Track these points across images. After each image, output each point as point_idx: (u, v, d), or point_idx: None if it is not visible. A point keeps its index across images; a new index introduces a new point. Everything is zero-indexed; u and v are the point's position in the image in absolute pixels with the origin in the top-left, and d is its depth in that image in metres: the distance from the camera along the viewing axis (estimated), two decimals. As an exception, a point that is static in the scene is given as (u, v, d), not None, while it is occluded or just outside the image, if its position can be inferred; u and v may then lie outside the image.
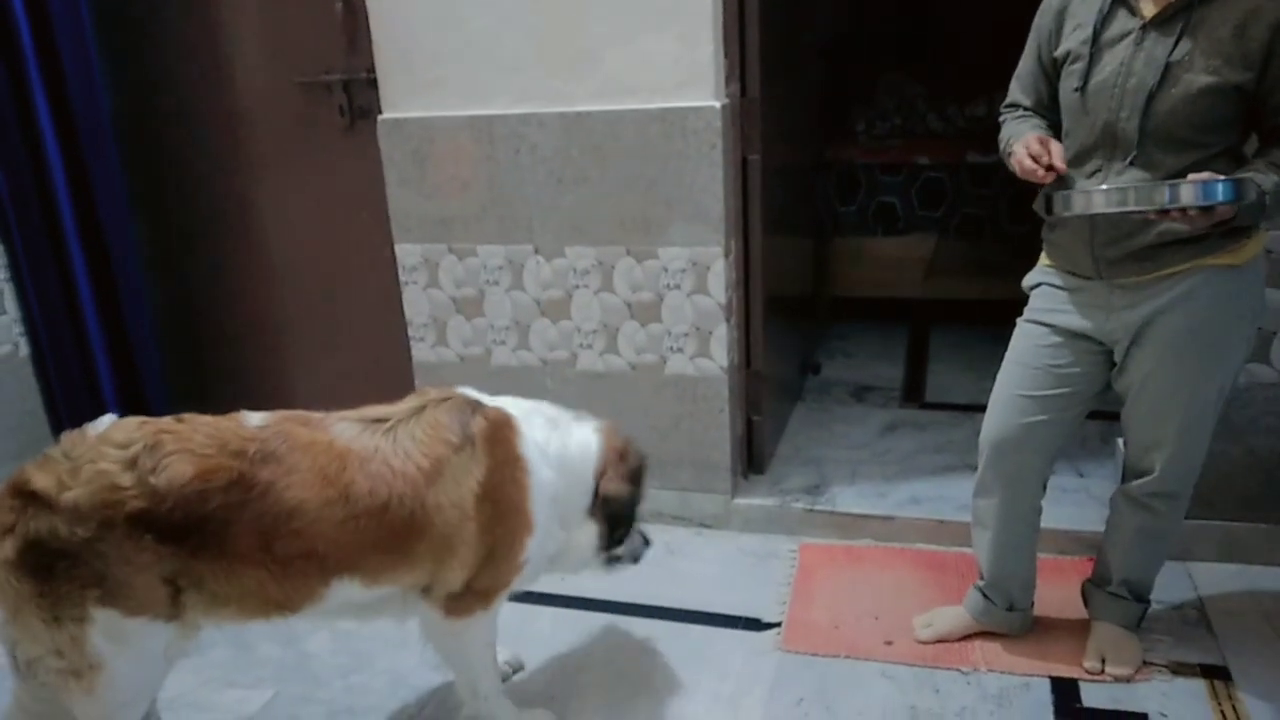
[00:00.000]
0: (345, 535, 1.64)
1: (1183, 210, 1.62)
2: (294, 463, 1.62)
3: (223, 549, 1.59)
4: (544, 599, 2.45)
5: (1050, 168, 1.80)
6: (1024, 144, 1.84)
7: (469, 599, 1.79)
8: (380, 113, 2.64)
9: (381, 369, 2.93)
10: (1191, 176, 1.63)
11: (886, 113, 4.24)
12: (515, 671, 2.18)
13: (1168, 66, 1.69)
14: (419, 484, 1.66)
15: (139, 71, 2.94)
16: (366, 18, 2.57)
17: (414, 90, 2.59)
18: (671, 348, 2.61)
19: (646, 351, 2.64)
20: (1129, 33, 1.74)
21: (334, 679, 2.22)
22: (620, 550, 2.00)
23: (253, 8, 2.79)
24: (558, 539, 1.89)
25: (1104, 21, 1.77)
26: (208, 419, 1.66)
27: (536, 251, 2.63)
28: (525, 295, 2.67)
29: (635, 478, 1.95)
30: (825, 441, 3.09)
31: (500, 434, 1.76)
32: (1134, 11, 1.74)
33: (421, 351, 2.82)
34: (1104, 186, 1.73)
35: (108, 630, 1.57)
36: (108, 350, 3.02)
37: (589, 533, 1.92)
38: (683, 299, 2.56)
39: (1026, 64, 1.96)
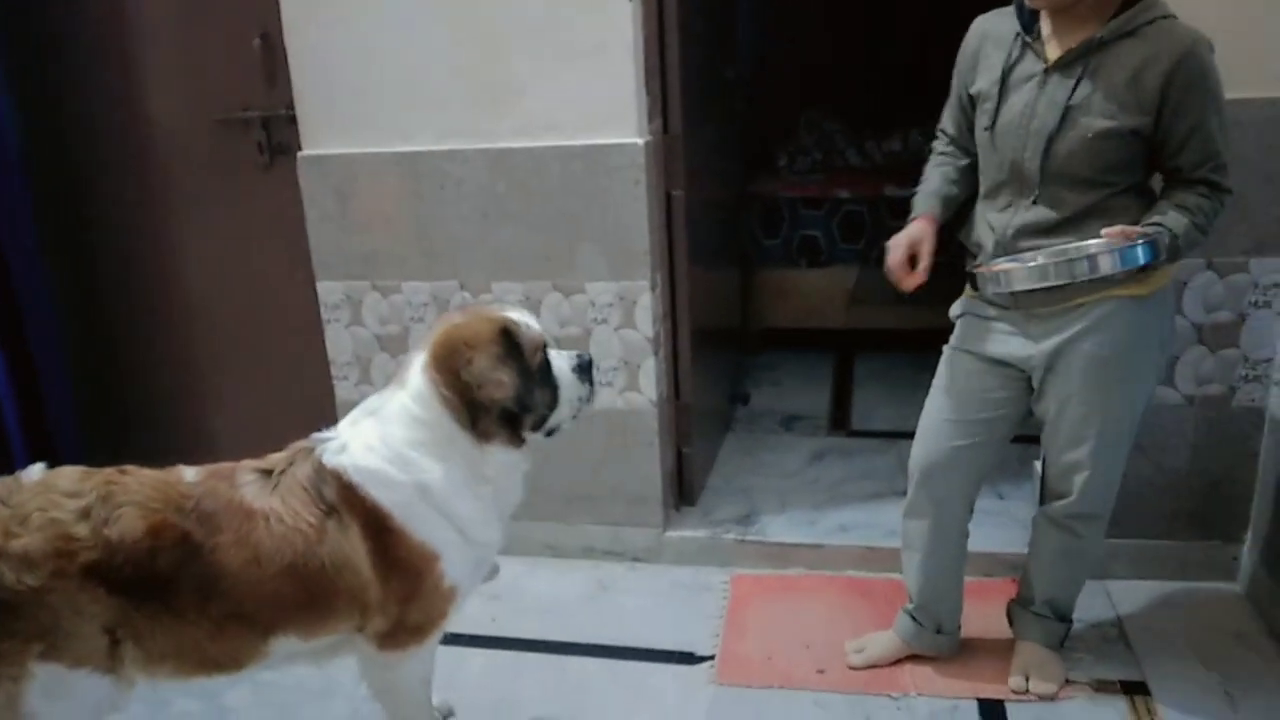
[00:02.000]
0: (267, 596, 1.61)
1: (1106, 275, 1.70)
2: (220, 523, 1.59)
3: (165, 605, 1.57)
4: (475, 640, 2.41)
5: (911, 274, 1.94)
6: (898, 244, 1.96)
7: (403, 635, 1.74)
8: (300, 149, 2.61)
9: (304, 408, 2.84)
10: (1106, 235, 1.70)
11: (807, 148, 4.34)
12: (446, 717, 2.13)
13: (1067, 109, 1.76)
14: (313, 542, 1.62)
15: (50, 108, 2.86)
16: (285, 54, 2.54)
17: (335, 127, 2.56)
18: (600, 382, 2.61)
19: (575, 386, 2.63)
20: (1034, 75, 1.81)
21: (255, 732, 2.14)
22: (561, 416, 1.78)
23: (169, 44, 2.74)
24: (478, 516, 1.73)
25: (1012, 63, 1.84)
26: (149, 473, 1.63)
27: (462, 287, 2.61)
28: (452, 332, 2.65)
29: (505, 353, 1.67)
30: (755, 471, 3.11)
31: (351, 495, 1.65)
32: (1039, 55, 1.81)
33: (345, 390, 2.77)
34: (1030, 263, 1.78)
35: (48, 687, 1.51)
36: (14, 389, 2.89)
37: (503, 457, 1.72)
38: (610, 333, 2.56)
39: (951, 97, 2.04)
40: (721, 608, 2.50)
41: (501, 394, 1.66)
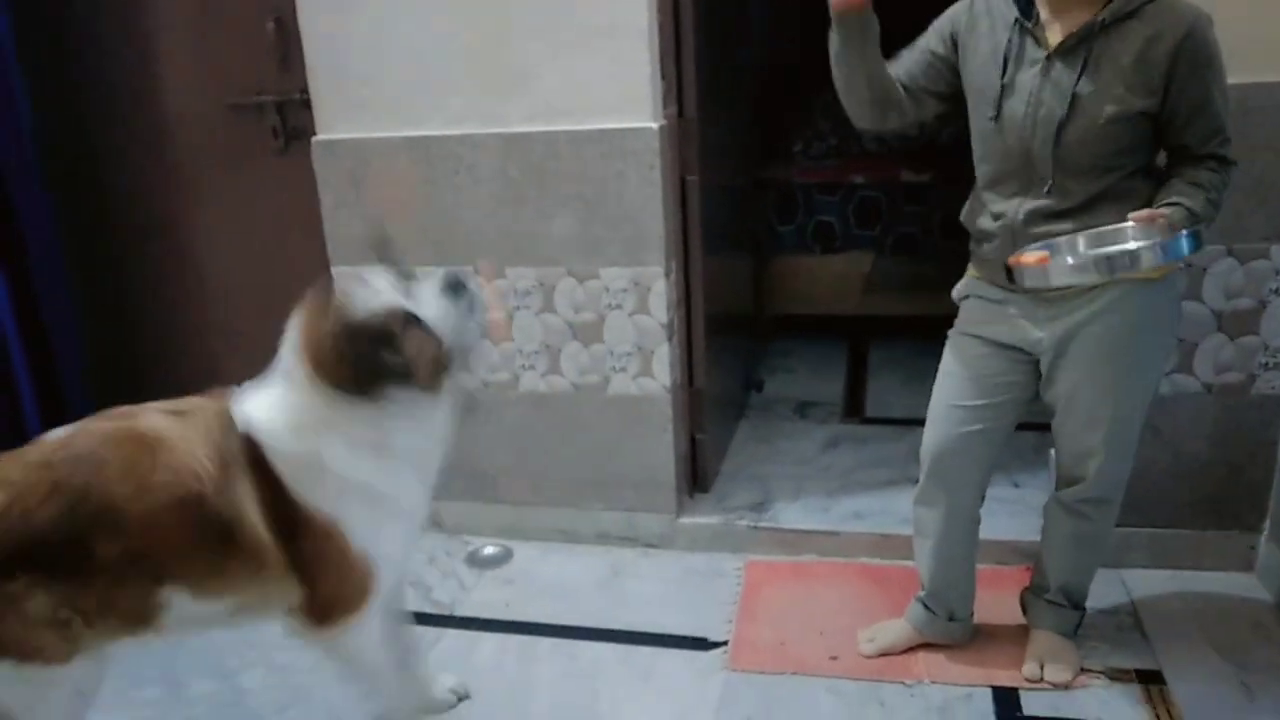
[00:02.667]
0: (156, 532, 1.55)
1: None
2: (102, 457, 1.55)
3: (68, 564, 1.53)
4: (488, 625, 2.42)
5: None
6: None
7: (321, 611, 1.69)
8: (315, 134, 2.61)
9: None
10: (1134, 219, 1.65)
11: (823, 133, 4.31)
12: (461, 699, 2.14)
13: (1074, 96, 1.73)
14: (214, 487, 1.57)
15: (66, 92, 2.87)
16: (299, 38, 2.54)
17: (349, 111, 2.56)
18: (614, 368, 2.61)
19: (589, 372, 2.63)
20: (1036, 62, 1.77)
21: (270, 714, 2.15)
22: (460, 347, 1.69)
23: (183, 29, 2.74)
24: (384, 482, 1.66)
25: (1013, 50, 1.80)
26: (8, 453, 1.60)
27: (476, 273, 2.61)
28: (465, 317, 2.65)
29: (338, 359, 1.58)
30: (769, 458, 3.11)
31: (254, 452, 1.61)
32: (1039, 41, 1.78)
33: (360, 375, 2.77)
34: (1069, 260, 1.72)
35: (9, 681, 1.51)
36: (32, 375, 2.91)
37: (406, 422, 1.65)
38: (624, 319, 2.56)
39: (919, 56, 1.93)
40: (735, 594, 2.50)
41: (364, 380, 1.59)
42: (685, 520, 2.73)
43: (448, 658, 2.27)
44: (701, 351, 2.71)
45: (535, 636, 2.38)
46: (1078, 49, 1.74)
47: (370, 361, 1.58)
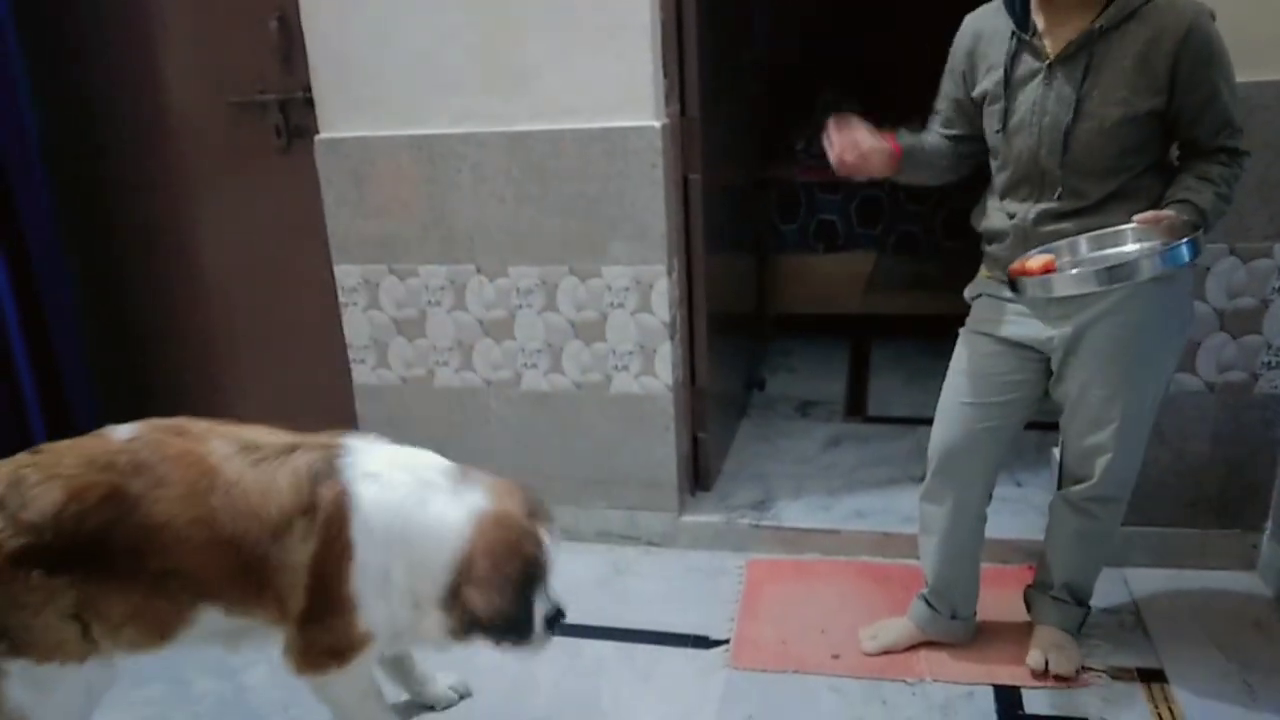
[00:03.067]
0: (208, 560, 1.58)
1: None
2: (164, 474, 1.56)
3: (109, 569, 1.55)
4: (490, 623, 2.42)
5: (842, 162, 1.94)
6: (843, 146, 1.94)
7: (320, 655, 1.70)
8: (317, 133, 2.61)
9: (321, 392, 2.87)
10: (1138, 221, 1.68)
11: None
12: (462, 697, 2.15)
13: (1078, 102, 1.74)
14: (268, 532, 1.59)
15: (68, 91, 2.87)
16: (302, 36, 2.54)
17: (352, 110, 2.56)
18: (616, 366, 2.61)
19: (591, 370, 2.63)
20: (1037, 72, 1.79)
21: (273, 712, 2.16)
22: (508, 642, 1.74)
23: (186, 27, 2.74)
24: (403, 617, 1.71)
25: (1013, 62, 1.81)
26: (68, 443, 1.61)
27: (479, 271, 2.61)
28: (468, 315, 2.65)
29: (509, 587, 1.66)
30: (771, 456, 3.11)
31: (338, 512, 1.62)
32: (1038, 52, 1.79)
33: (362, 374, 2.78)
34: (1071, 271, 1.73)
35: (25, 681, 1.52)
36: (35, 375, 2.91)
37: (436, 623, 1.70)
38: (626, 318, 2.56)
39: (944, 102, 2.02)
40: (736, 592, 2.50)
41: (484, 612, 1.65)
42: (687, 519, 2.73)
43: (449, 656, 2.27)
44: (704, 350, 2.71)
45: (537, 635, 2.38)
46: (1078, 56, 1.74)
47: (514, 610, 1.65)
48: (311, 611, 1.65)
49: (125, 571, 1.56)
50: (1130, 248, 1.73)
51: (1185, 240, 1.61)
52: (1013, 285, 1.77)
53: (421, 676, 2.10)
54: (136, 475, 1.55)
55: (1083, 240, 1.78)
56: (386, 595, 1.67)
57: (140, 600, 1.58)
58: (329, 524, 1.61)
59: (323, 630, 1.67)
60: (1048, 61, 1.77)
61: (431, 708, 2.12)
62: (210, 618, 1.65)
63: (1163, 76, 1.70)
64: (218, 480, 1.58)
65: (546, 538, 1.74)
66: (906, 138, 1.99)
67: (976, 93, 1.91)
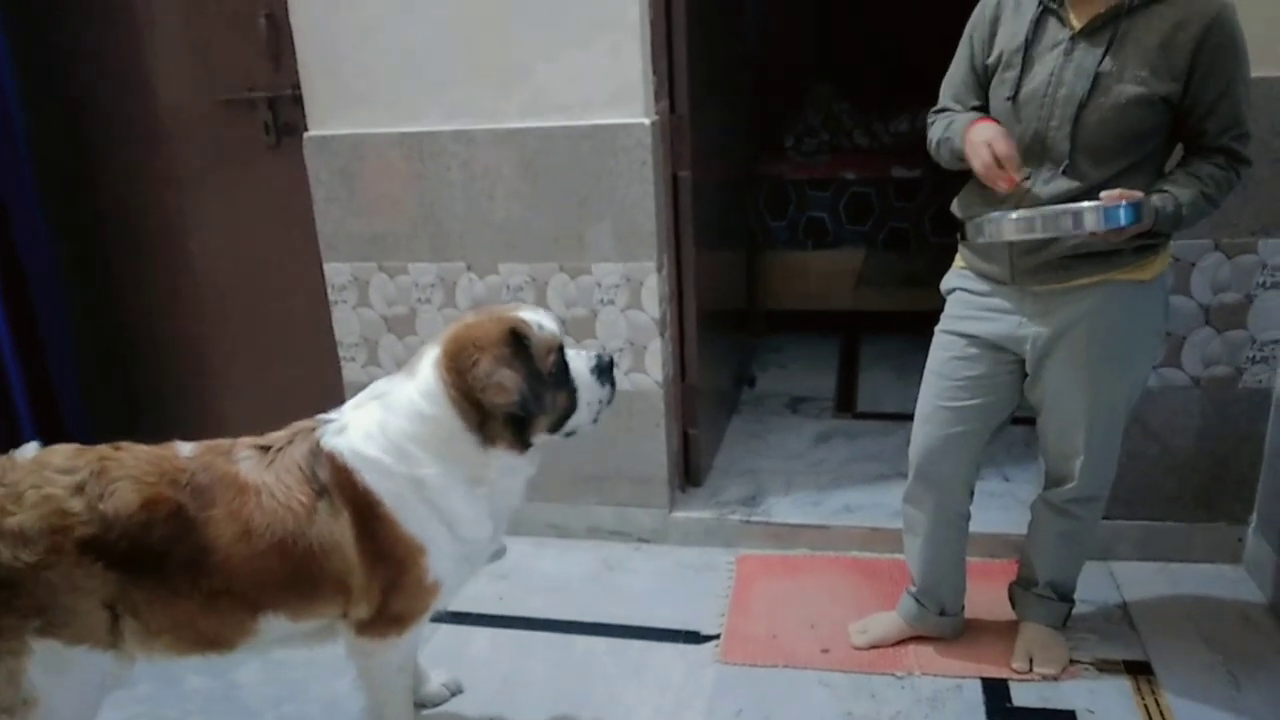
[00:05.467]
0: (255, 572, 1.62)
1: (1092, 231, 1.68)
2: (213, 496, 1.61)
3: (161, 580, 1.59)
4: (482, 620, 2.43)
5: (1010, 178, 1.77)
6: (987, 142, 1.76)
7: (383, 624, 1.74)
8: (306, 130, 2.61)
9: (311, 389, 2.86)
10: (1105, 197, 1.67)
11: (814, 129, 4.32)
12: (454, 694, 2.15)
13: (1097, 76, 1.72)
14: (303, 522, 1.62)
15: (57, 89, 2.86)
16: (291, 34, 2.54)
17: (341, 107, 2.56)
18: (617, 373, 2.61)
19: (581, 367, 2.63)
20: (1059, 42, 1.77)
21: (265, 709, 2.16)
22: (580, 419, 1.76)
23: (175, 24, 2.73)
24: (470, 515, 1.73)
25: (1035, 30, 1.79)
26: (144, 448, 1.65)
27: (469, 268, 2.61)
28: (458, 313, 2.65)
29: (505, 362, 1.64)
30: (761, 453, 3.12)
31: (345, 479, 1.66)
32: (1064, 21, 1.77)
33: (353, 371, 2.78)
34: (1013, 215, 1.73)
35: (47, 662, 1.54)
36: (23, 373, 2.90)
37: (499, 463, 1.71)
38: (617, 314, 2.57)
39: (958, 71, 1.96)
40: (727, 588, 2.51)
41: (505, 398, 1.65)
42: (678, 515, 2.74)
43: (441, 653, 2.28)
44: (694, 347, 2.72)
45: (529, 631, 2.39)
46: (1103, 30, 1.73)
47: (528, 382, 1.65)
48: (383, 580, 1.69)
49: (178, 586, 1.60)
50: (1083, 203, 1.73)
51: (1125, 203, 1.64)
52: (962, 234, 1.80)
53: (417, 675, 2.10)
54: (194, 497, 1.60)
55: (1054, 209, 1.77)
56: (435, 502, 1.69)
57: (188, 615, 1.62)
58: (343, 491, 1.65)
59: (397, 594, 1.71)
60: (1072, 33, 1.76)
61: (423, 706, 2.12)
62: (275, 625, 1.69)
63: (1183, 63, 1.69)
64: (248, 492, 1.62)
65: (520, 312, 1.74)
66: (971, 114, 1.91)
67: (991, 58, 1.87)
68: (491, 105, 2.47)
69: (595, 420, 1.81)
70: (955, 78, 1.98)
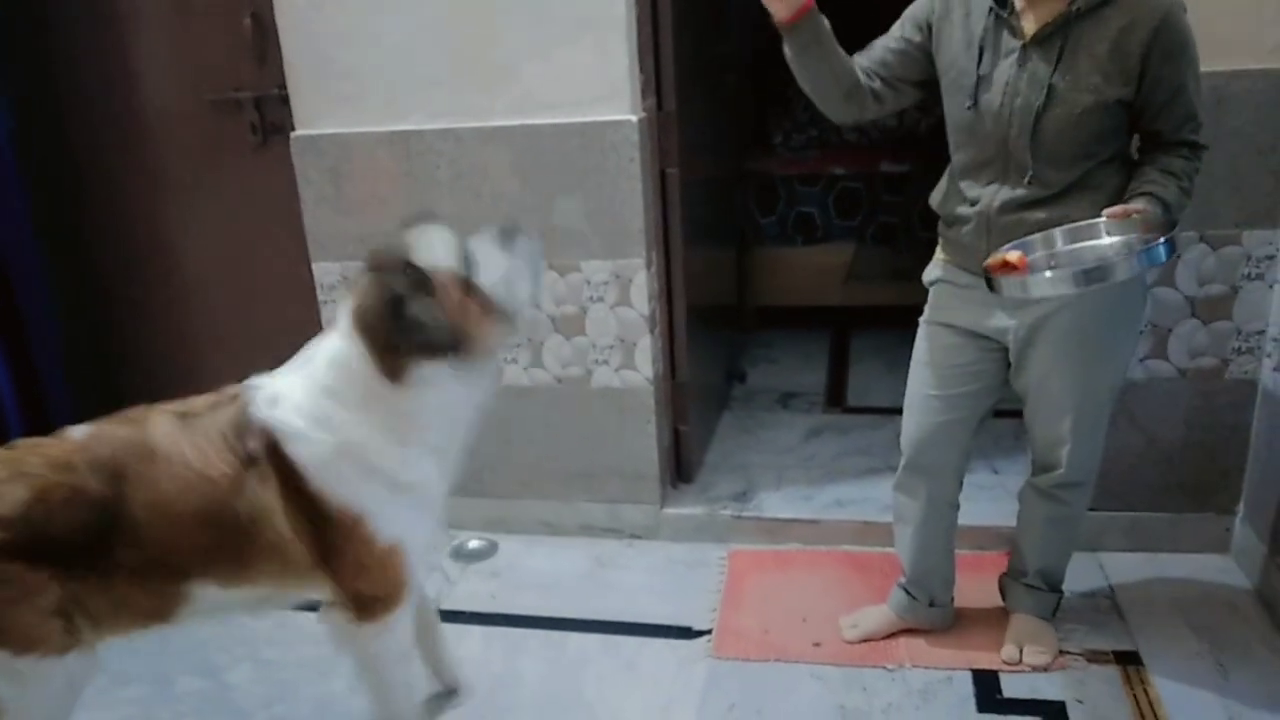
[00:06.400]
0: (178, 540, 1.58)
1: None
2: (119, 465, 1.58)
3: (84, 564, 1.56)
4: (474, 617, 2.43)
5: None
6: None
7: (363, 607, 1.71)
8: (293, 129, 2.60)
9: (302, 390, 2.87)
10: (1108, 215, 1.67)
11: (802, 124, 4.32)
12: (454, 691, 2.15)
13: (1050, 87, 1.73)
14: (225, 491, 1.59)
15: (43, 90, 2.84)
16: (276, 33, 2.53)
17: (328, 106, 2.56)
18: (597, 360, 2.62)
19: (572, 365, 2.64)
20: (1012, 51, 1.77)
21: (257, 710, 2.16)
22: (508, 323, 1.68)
23: (160, 24, 2.72)
24: (409, 465, 1.66)
25: (989, 40, 1.80)
26: (34, 440, 1.63)
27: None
28: (447, 311, 2.65)
29: (414, 286, 1.58)
30: (751, 448, 3.12)
31: (271, 448, 1.61)
32: (1015, 31, 1.77)
33: (342, 371, 2.77)
34: (1047, 273, 1.68)
35: (3, 672, 1.52)
36: (11, 374, 2.89)
37: (432, 395, 1.63)
38: (606, 311, 2.57)
39: (890, 44, 1.92)
40: (718, 583, 2.52)
41: (424, 325, 1.57)
42: (669, 511, 2.75)
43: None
44: (684, 343, 2.72)
45: (521, 628, 2.39)
46: (1053, 38, 1.74)
47: (407, 312, 1.56)
48: (327, 552, 1.65)
49: (100, 566, 1.56)
50: (1104, 241, 1.72)
51: (1163, 240, 1.59)
52: (989, 283, 1.73)
53: (450, 660, 2.10)
54: (95, 473, 1.56)
55: (1058, 234, 1.76)
56: (368, 464, 1.63)
57: (121, 592, 1.59)
58: (272, 458, 1.61)
59: (355, 571, 1.67)
60: (1023, 42, 1.76)
61: (454, 691, 2.12)
62: (207, 593, 1.65)
63: (1133, 65, 1.71)
64: (160, 459, 1.58)
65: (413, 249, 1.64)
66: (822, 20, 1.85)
67: (939, 61, 1.86)
68: (479, 103, 2.47)
69: (527, 299, 1.72)
70: (881, 45, 1.93)
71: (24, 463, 1.56)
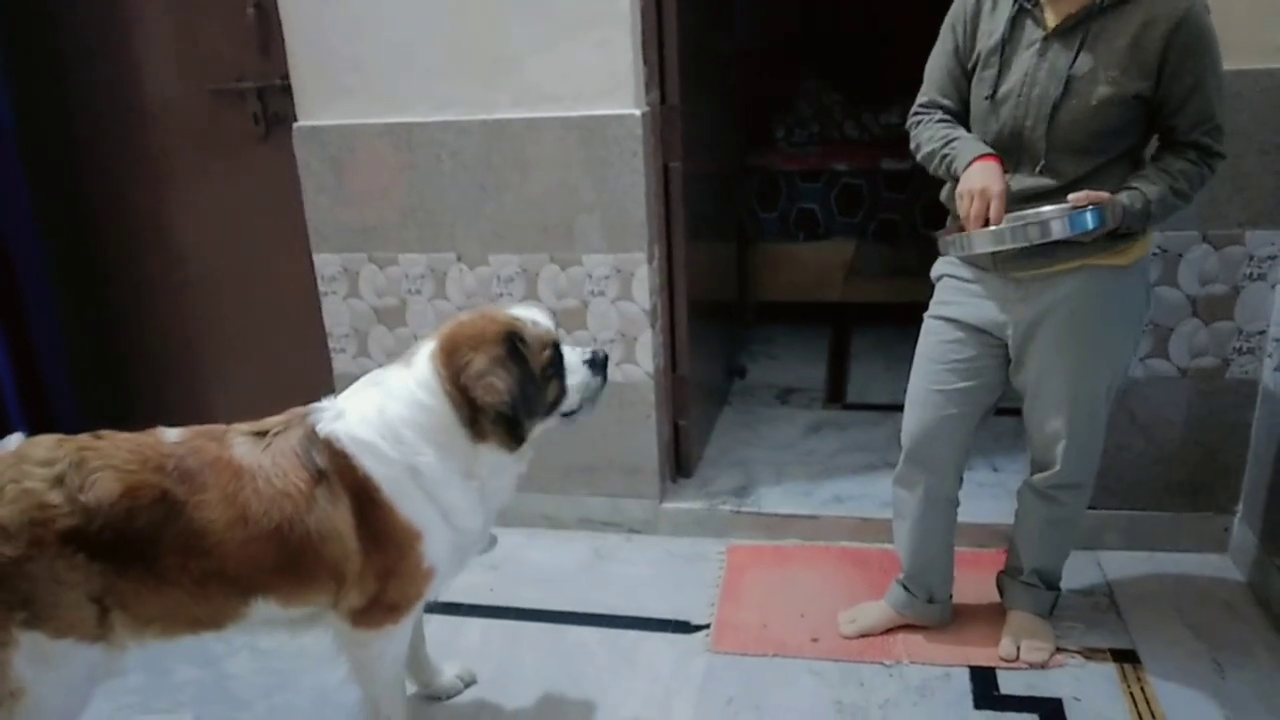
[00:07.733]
0: (250, 557, 1.61)
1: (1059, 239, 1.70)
2: (204, 480, 1.60)
3: (148, 568, 1.58)
4: (473, 610, 2.43)
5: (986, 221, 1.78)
6: (982, 192, 1.76)
7: (379, 613, 1.75)
8: (296, 120, 2.60)
9: (301, 382, 2.82)
10: (1073, 200, 1.70)
11: (805, 120, 4.32)
12: (468, 685, 2.16)
13: (1069, 78, 1.74)
14: (300, 508, 1.62)
15: (45, 81, 2.84)
16: (280, 24, 2.52)
17: (330, 97, 2.55)
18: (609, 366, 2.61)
19: (572, 358, 2.63)
20: (1034, 42, 1.79)
21: (256, 699, 2.16)
22: (570, 403, 1.81)
23: (163, 14, 2.72)
24: (461, 498, 1.74)
25: (1011, 30, 1.81)
26: (126, 435, 1.64)
27: (459, 259, 2.61)
28: (449, 304, 2.65)
29: (499, 361, 1.68)
30: (751, 443, 3.13)
31: (343, 464, 1.66)
32: (1038, 22, 1.79)
33: (343, 363, 2.78)
34: (987, 230, 1.76)
35: (33, 654, 1.53)
36: (12, 365, 2.90)
37: (489, 461, 1.74)
38: (607, 305, 2.57)
39: (941, 63, 1.96)
40: (717, 578, 2.52)
41: (495, 398, 1.67)
42: (668, 505, 2.75)
43: (433, 644, 2.27)
44: (685, 338, 2.72)
45: (520, 621, 2.39)
46: (1075, 30, 1.75)
47: (520, 384, 1.68)
48: (379, 566, 1.70)
49: (167, 573, 1.59)
50: (1047, 208, 1.75)
51: (1091, 207, 1.67)
52: (939, 245, 1.83)
53: (433, 668, 2.12)
54: (181, 481, 1.59)
55: (1026, 213, 1.78)
56: (430, 490, 1.70)
57: (178, 601, 1.62)
58: (342, 476, 1.66)
59: (394, 580, 1.72)
60: (1046, 33, 1.77)
61: (438, 698, 2.13)
62: (264, 610, 1.69)
63: (1152, 60, 1.71)
64: (244, 476, 1.62)
65: (514, 311, 1.78)
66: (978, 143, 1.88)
67: (972, 58, 1.88)
68: (482, 96, 2.47)
69: (585, 407, 1.84)
70: (936, 68, 1.98)
71: (117, 456, 1.58)
